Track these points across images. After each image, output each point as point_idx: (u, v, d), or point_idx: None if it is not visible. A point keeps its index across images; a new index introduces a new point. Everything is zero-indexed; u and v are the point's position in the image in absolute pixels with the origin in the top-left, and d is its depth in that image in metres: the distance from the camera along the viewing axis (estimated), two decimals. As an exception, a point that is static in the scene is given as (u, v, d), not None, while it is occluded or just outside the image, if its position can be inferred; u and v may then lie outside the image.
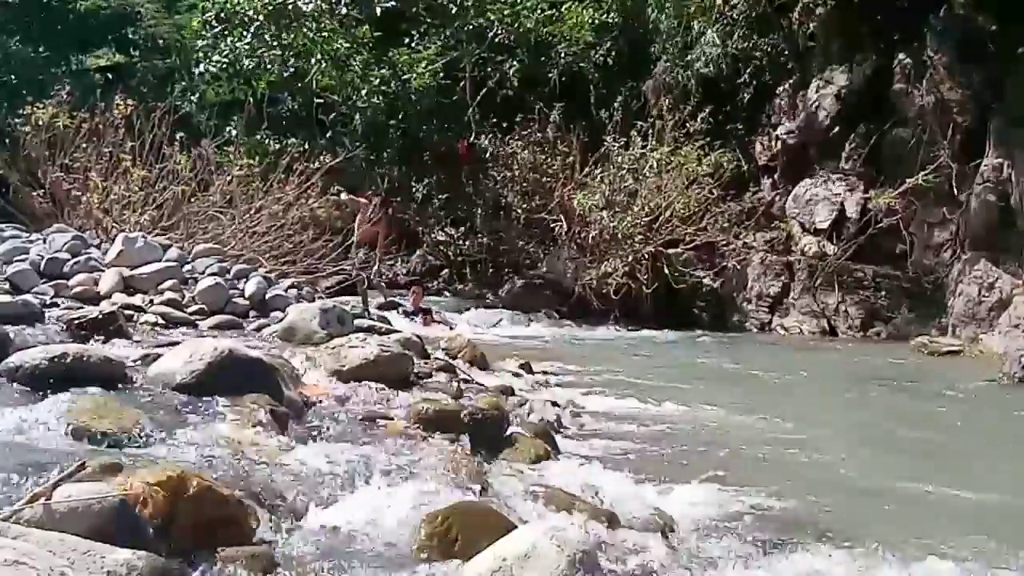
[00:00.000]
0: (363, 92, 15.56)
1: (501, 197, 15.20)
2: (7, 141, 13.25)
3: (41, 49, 20.74)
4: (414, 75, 15.60)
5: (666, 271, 13.15)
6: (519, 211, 14.80)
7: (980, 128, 11.55)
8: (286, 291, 7.86)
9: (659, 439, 5.20)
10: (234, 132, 15.62)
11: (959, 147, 11.70)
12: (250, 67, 15.09)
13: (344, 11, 15.13)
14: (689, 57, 14.83)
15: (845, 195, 12.94)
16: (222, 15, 15.25)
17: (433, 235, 16.90)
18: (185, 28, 17.63)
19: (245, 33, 14.99)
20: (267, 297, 7.42)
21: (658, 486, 3.98)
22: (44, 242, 8.04)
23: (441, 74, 15.78)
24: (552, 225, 14.28)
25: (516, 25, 15.82)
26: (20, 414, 3.12)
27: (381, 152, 16.06)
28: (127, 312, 6.05)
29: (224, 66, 15.03)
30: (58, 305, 6.36)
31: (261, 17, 14.95)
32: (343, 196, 12.72)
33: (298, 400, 4.03)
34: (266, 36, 15.05)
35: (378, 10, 15.43)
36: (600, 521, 3.22)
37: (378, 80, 15.56)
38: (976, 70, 11.60)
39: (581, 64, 16.04)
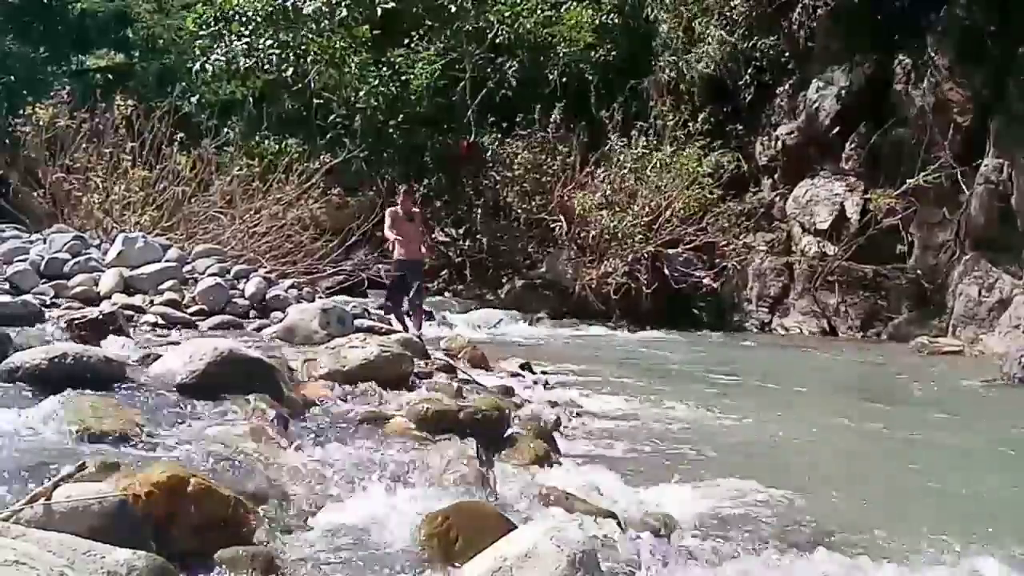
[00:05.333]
0: (362, 93, 15.57)
1: (501, 197, 15.19)
2: (7, 141, 13.25)
3: (41, 49, 20.71)
4: (413, 75, 15.60)
5: (666, 271, 13.15)
6: (519, 211, 14.79)
7: (980, 128, 11.55)
8: (286, 291, 7.87)
9: (659, 439, 5.20)
10: (234, 133, 15.62)
11: (959, 147, 11.70)
12: (247, 65, 15.05)
13: (344, 12, 15.09)
14: (689, 57, 14.83)
15: (845, 195, 12.94)
16: (219, 15, 15.24)
17: (433, 235, 16.91)
18: (183, 29, 17.62)
19: (244, 31, 14.98)
20: (267, 297, 7.44)
21: (658, 486, 3.98)
22: (44, 242, 8.05)
23: (439, 74, 15.78)
24: (552, 225, 14.28)
25: (516, 26, 15.82)
26: (20, 414, 3.12)
27: (381, 152, 16.05)
28: (127, 312, 6.06)
29: (222, 65, 15.01)
30: (58, 305, 6.37)
31: (259, 18, 14.94)
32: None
33: (298, 400, 4.03)
34: (264, 36, 15.03)
35: (378, 11, 15.41)
36: (600, 521, 3.22)
37: (377, 80, 15.56)
38: (976, 70, 11.60)
39: (581, 64, 16.04)
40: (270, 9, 14.90)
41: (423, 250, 9.92)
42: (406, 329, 8.42)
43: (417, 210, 10.27)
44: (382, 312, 8.94)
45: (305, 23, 15.06)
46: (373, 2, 15.34)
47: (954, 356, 10.40)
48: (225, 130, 15.13)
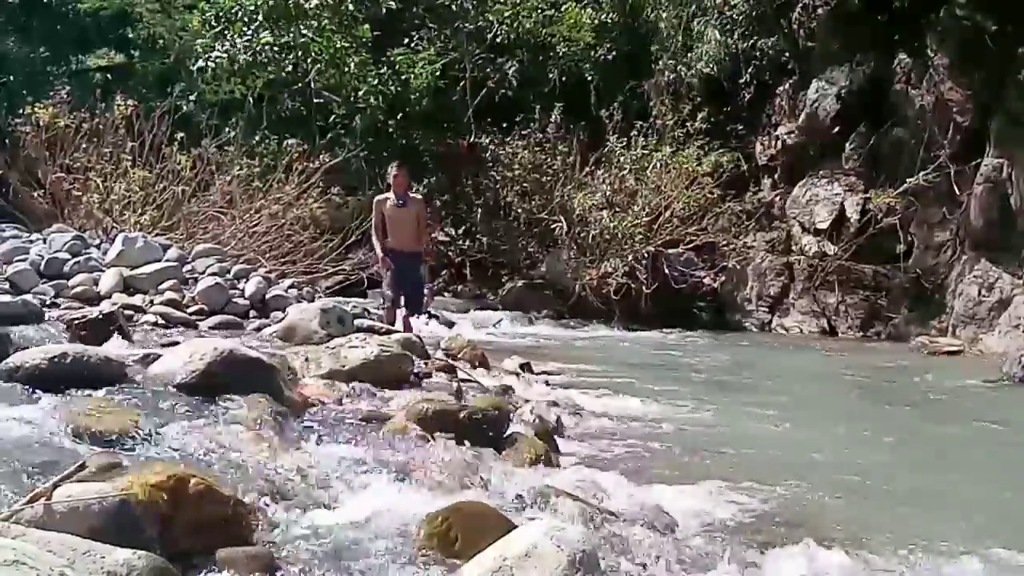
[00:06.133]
0: (361, 92, 15.57)
1: (501, 197, 15.19)
2: (7, 141, 13.25)
3: (41, 49, 20.73)
4: (413, 75, 15.60)
5: (666, 271, 13.15)
6: (519, 211, 14.79)
7: (980, 128, 11.55)
8: (286, 291, 7.87)
9: (658, 439, 5.20)
10: (234, 132, 15.61)
11: (959, 147, 11.70)
12: (247, 62, 15.04)
13: (351, 7, 15.09)
14: (689, 57, 14.84)
15: (845, 195, 12.95)
16: (221, 14, 15.25)
17: (443, 230, 16.88)
18: (184, 28, 17.62)
19: (245, 30, 14.98)
20: (267, 297, 7.44)
21: (658, 486, 3.98)
22: (44, 242, 8.06)
23: (439, 74, 15.79)
24: (552, 225, 14.28)
25: (516, 26, 15.84)
26: (20, 414, 3.12)
27: (381, 152, 16.05)
28: (127, 312, 6.06)
29: (222, 62, 15.01)
30: (58, 305, 6.38)
31: (260, 16, 14.94)
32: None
33: (298, 400, 4.03)
34: (264, 34, 15.03)
35: (384, 9, 15.42)
36: (600, 521, 3.22)
37: (377, 80, 15.57)
38: (976, 70, 11.59)
39: (581, 64, 16.05)
40: (271, 4, 14.89)
41: (426, 241, 8.61)
42: (391, 323, 7.86)
43: (415, 196, 8.92)
44: (383, 313, 8.41)
45: (306, 21, 15.05)
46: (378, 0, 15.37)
47: (954, 356, 10.40)
48: (227, 129, 15.13)
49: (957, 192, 11.70)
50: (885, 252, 12.40)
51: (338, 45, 15.24)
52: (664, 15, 15.37)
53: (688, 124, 13.85)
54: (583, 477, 3.92)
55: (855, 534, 3.50)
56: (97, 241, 8.60)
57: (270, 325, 6.55)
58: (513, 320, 12.66)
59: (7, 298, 5.74)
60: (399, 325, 7.87)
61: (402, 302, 8.40)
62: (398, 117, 15.87)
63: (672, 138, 13.83)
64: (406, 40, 16.04)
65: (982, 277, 11.18)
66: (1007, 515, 4.06)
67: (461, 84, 16.15)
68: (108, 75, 20.31)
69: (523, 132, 15.03)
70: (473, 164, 15.85)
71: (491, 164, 15.49)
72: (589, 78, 16.09)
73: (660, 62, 15.38)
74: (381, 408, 4.24)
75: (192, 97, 16.41)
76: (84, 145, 10.28)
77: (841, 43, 13.26)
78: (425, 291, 9.14)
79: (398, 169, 8.49)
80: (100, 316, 5.12)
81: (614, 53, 16.03)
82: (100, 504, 2.31)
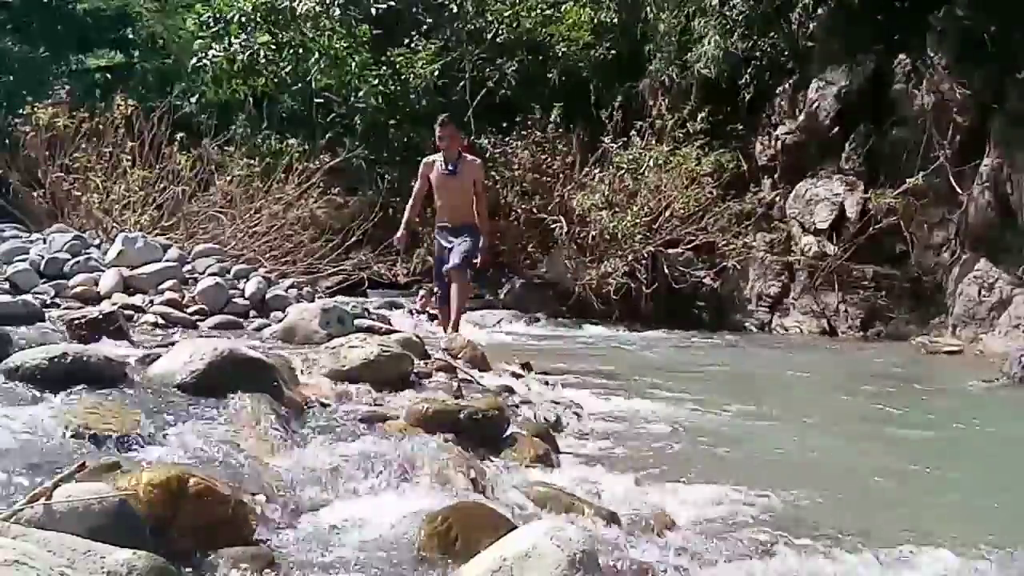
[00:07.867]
0: (362, 92, 15.57)
1: (501, 197, 15.17)
2: (7, 141, 13.26)
3: (41, 49, 20.73)
4: (413, 74, 15.61)
5: (666, 271, 13.15)
6: (519, 211, 14.78)
7: (980, 128, 11.55)
8: (286, 291, 7.87)
9: (659, 439, 5.20)
10: (240, 131, 15.61)
11: (959, 147, 11.70)
12: (246, 62, 15.03)
13: (338, 12, 15.11)
14: (687, 57, 14.83)
15: (845, 195, 12.94)
16: (218, 15, 15.25)
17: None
18: (183, 28, 17.62)
19: (241, 31, 14.99)
20: (267, 297, 7.43)
21: (658, 486, 3.98)
22: (44, 242, 8.06)
23: (438, 74, 15.79)
24: (552, 225, 14.27)
25: (515, 25, 15.84)
26: (20, 414, 3.12)
27: (381, 152, 16.05)
28: (127, 312, 6.06)
29: (221, 62, 14.99)
30: (58, 305, 6.38)
31: (258, 17, 14.95)
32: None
33: (298, 400, 4.03)
34: (263, 34, 15.04)
35: (373, 11, 15.43)
36: (600, 521, 3.22)
37: (377, 80, 15.57)
38: (976, 70, 11.59)
39: (580, 64, 16.05)
40: (267, 7, 14.90)
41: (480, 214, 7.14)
42: (446, 329, 7.33)
43: (472, 160, 7.72)
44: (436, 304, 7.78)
45: (303, 22, 15.06)
46: (368, 2, 15.36)
47: (954, 356, 10.40)
48: (233, 128, 15.12)
49: (957, 192, 11.70)
50: (885, 252, 12.39)
51: (337, 45, 15.25)
52: (664, 15, 15.35)
53: (688, 124, 13.84)
54: (583, 477, 3.93)
55: (855, 534, 3.50)
56: (97, 241, 8.60)
57: (270, 325, 6.55)
58: (513, 320, 12.67)
59: (7, 298, 5.75)
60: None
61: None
62: (398, 117, 15.87)
63: (672, 138, 13.82)
64: (406, 40, 16.04)
65: (982, 277, 11.18)
66: (1007, 514, 4.06)
67: (461, 84, 16.15)
68: (108, 75, 20.32)
69: (523, 132, 15.02)
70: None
71: (491, 164, 15.48)
72: (588, 77, 16.08)
73: (659, 61, 15.36)
74: (381, 408, 4.24)
75: (192, 98, 16.41)
76: (84, 145, 10.28)
77: (841, 43, 13.25)
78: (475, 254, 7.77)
79: (442, 128, 7.13)
80: (100, 316, 5.11)
81: (613, 52, 16.02)
82: (100, 504, 2.31)
